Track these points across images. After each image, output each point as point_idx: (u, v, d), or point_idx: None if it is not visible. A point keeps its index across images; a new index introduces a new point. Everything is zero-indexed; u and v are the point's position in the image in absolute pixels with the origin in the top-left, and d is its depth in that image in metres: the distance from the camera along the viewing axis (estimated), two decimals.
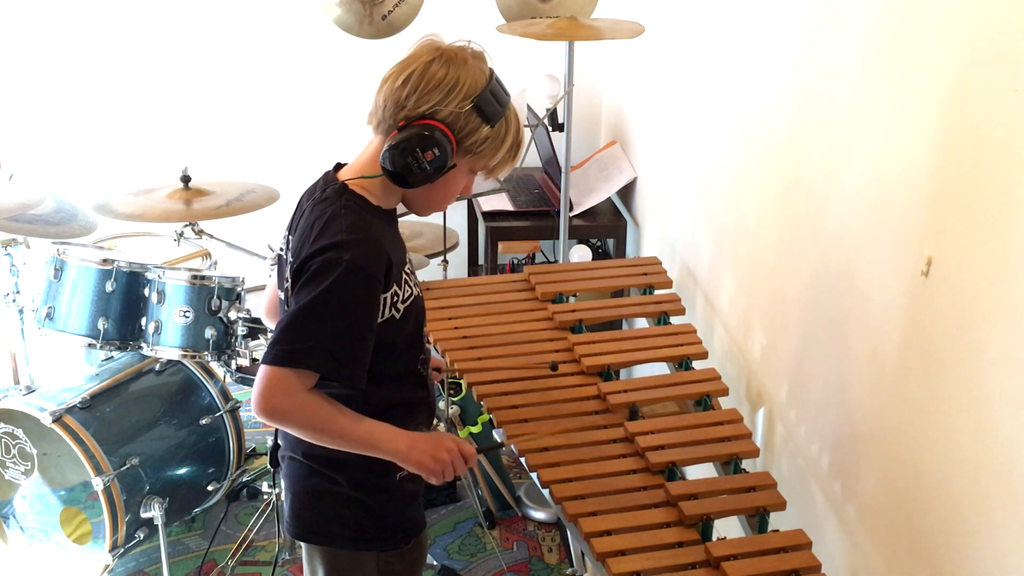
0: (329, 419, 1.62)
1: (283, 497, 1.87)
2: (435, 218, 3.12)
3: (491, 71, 1.66)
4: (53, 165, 3.77)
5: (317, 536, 1.80)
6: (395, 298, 1.67)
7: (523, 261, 3.59)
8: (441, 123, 1.61)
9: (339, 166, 1.75)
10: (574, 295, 2.59)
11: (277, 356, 1.57)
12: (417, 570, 1.90)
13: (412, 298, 1.73)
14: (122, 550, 2.84)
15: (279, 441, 1.84)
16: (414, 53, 1.65)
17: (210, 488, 3.06)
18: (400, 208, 1.78)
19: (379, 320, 1.65)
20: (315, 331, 1.58)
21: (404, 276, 1.71)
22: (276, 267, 1.82)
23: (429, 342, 1.88)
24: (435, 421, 3.20)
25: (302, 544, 1.85)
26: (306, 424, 1.63)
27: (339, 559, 1.80)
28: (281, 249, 1.78)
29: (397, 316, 1.68)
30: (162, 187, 3.07)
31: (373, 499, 1.75)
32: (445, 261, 3.34)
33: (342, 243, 1.58)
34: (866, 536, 1.87)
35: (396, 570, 1.82)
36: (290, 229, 1.75)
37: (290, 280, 1.67)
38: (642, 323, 2.61)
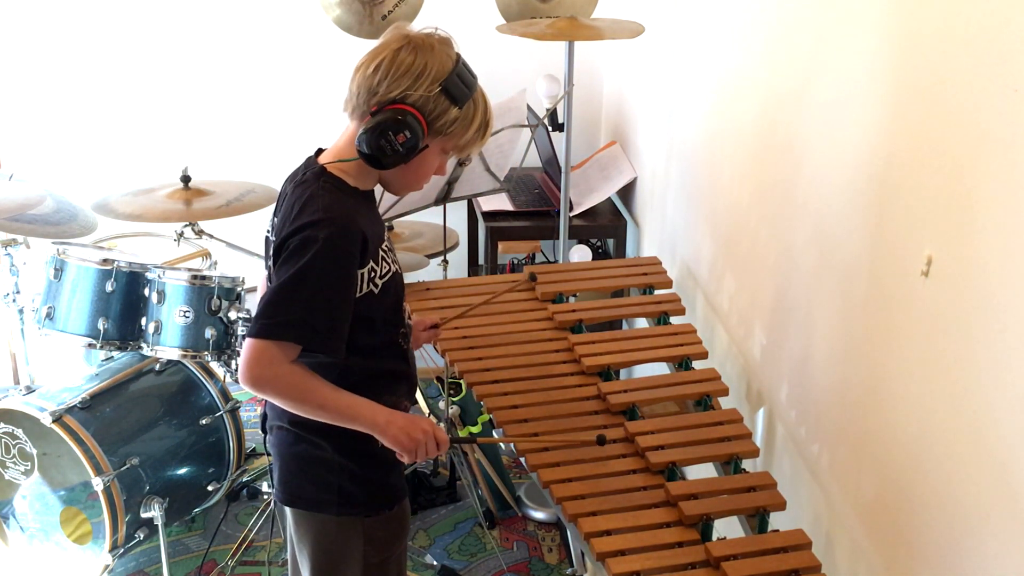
0: (311, 389, 1.70)
1: (272, 465, 1.93)
2: (435, 218, 3.12)
3: (458, 55, 1.74)
4: (53, 165, 3.76)
5: (304, 501, 1.87)
6: (372, 274, 1.76)
7: (523, 261, 3.59)
8: (411, 107, 1.69)
9: (320, 151, 1.85)
10: (574, 295, 2.59)
11: (260, 329, 1.67)
12: (400, 539, 1.95)
13: (390, 274, 1.82)
14: (122, 550, 2.84)
15: (267, 411, 1.92)
16: (384, 42, 1.73)
17: (210, 488, 3.06)
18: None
19: (358, 295, 1.73)
20: (295, 305, 1.67)
21: (381, 253, 1.80)
22: (265, 250, 1.91)
23: (410, 318, 1.96)
24: (428, 414, 3.20)
25: (289, 511, 1.91)
26: (288, 394, 1.71)
27: (326, 525, 1.86)
28: (268, 231, 1.88)
29: (376, 291, 1.77)
30: (162, 187, 3.07)
31: (357, 464, 1.82)
32: (445, 261, 3.34)
33: (319, 222, 1.68)
34: (866, 536, 1.87)
35: (380, 536, 1.88)
36: (275, 212, 1.85)
37: (272, 258, 1.76)
38: (642, 323, 2.61)
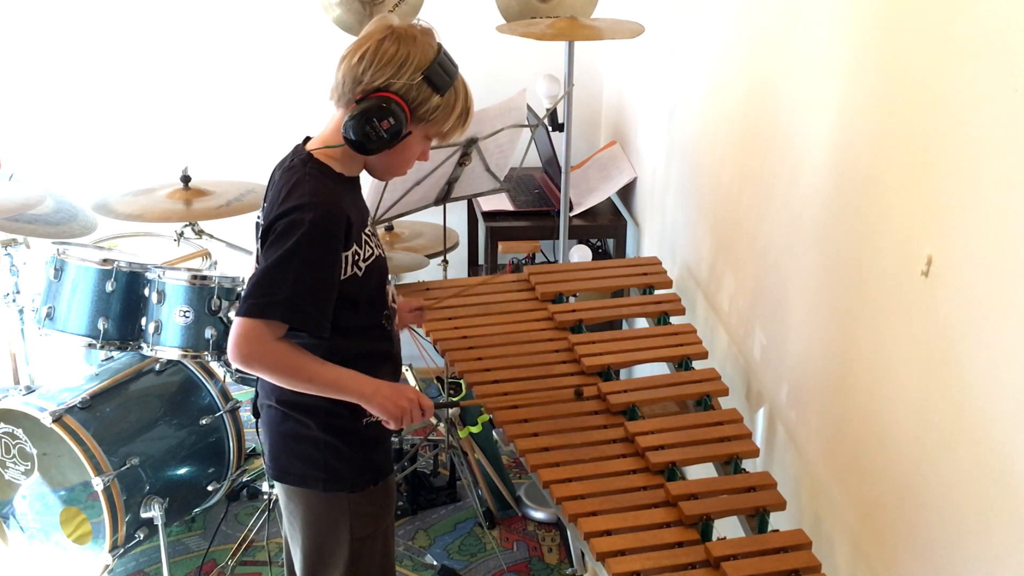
0: (299, 364, 1.77)
1: (263, 443, 2.00)
2: (435, 218, 3.12)
3: (439, 45, 1.81)
4: (53, 165, 3.76)
5: (292, 477, 1.94)
6: (356, 256, 1.83)
7: (523, 261, 3.59)
8: (395, 95, 1.76)
9: (308, 139, 1.90)
10: (574, 295, 2.59)
11: (248, 309, 1.74)
12: (386, 514, 2.02)
13: (374, 258, 1.88)
14: (122, 550, 2.84)
15: (258, 391, 1.98)
16: (368, 33, 1.80)
17: (210, 488, 3.06)
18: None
19: (343, 277, 1.80)
20: (282, 285, 1.73)
21: (364, 237, 1.86)
22: (256, 234, 1.96)
23: (394, 301, 2.03)
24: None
25: (280, 487, 1.98)
26: (277, 369, 1.78)
27: (314, 500, 1.94)
28: (259, 217, 1.93)
29: (359, 273, 1.83)
30: (162, 187, 3.08)
31: (341, 441, 1.90)
32: (445, 261, 3.34)
33: (305, 205, 1.74)
34: (866, 536, 1.87)
35: (366, 511, 1.95)
36: (264, 197, 1.91)
37: (260, 240, 1.83)
38: (642, 323, 2.61)
